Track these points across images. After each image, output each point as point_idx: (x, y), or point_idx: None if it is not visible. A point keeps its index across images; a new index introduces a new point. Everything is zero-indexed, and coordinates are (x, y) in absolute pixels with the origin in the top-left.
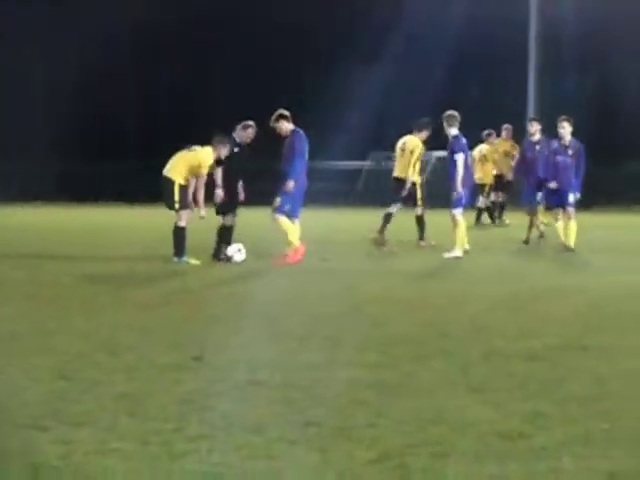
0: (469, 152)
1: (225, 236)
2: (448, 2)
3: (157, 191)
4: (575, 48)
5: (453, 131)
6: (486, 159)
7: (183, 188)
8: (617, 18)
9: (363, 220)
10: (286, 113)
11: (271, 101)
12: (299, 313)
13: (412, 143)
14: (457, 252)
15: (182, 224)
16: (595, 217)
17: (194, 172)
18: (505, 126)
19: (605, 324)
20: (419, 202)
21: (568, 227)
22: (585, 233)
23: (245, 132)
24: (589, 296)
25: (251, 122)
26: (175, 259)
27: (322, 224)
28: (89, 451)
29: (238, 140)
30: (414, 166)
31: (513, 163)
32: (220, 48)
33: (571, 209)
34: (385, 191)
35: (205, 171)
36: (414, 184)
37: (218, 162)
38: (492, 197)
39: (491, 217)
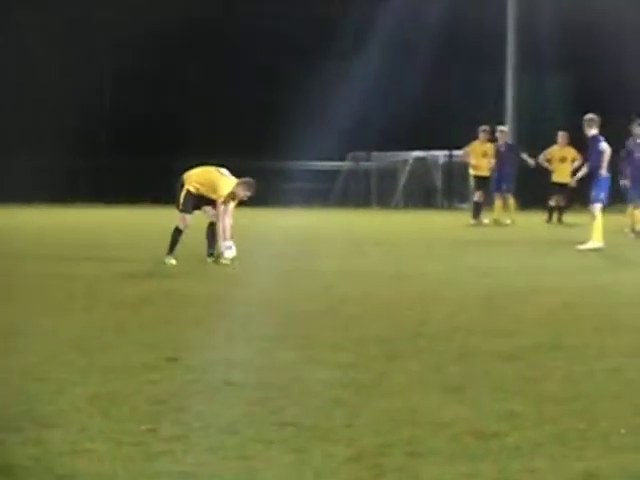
0: None
1: None
2: (427, 1)
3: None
4: (554, 47)
5: (593, 132)
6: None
7: (189, 194)
8: (596, 17)
9: (341, 220)
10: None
11: (248, 100)
12: (275, 313)
13: None
14: (595, 244)
15: (178, 225)
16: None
17: (209, 191)
18: (482, 128)
19: (579, 324)
20: None
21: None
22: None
23: None
24: (563, 296)
25: None
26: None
27: (300, 224)
28: (62, 452)
29: None
30: None
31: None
32: (192, 48)
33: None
34: (361, 191)
35: (221, 200)
36: None
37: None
38: (475, 197)
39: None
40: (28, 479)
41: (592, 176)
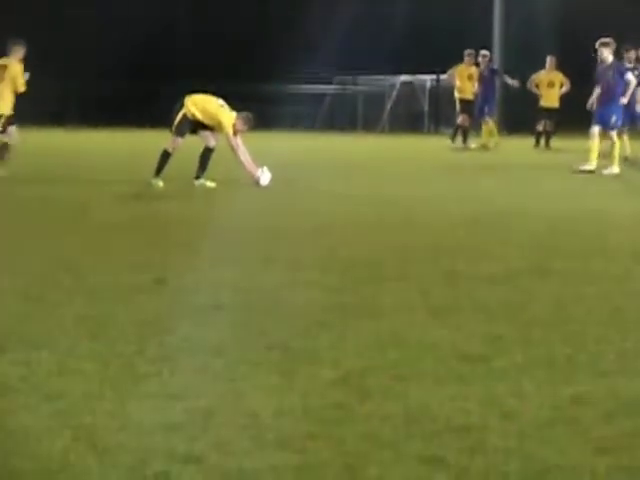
0: None
1: None
2: None
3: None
4: None
5: (610, 57)
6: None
7: (185, 118)
8: None
9: (327, 144)
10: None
11: (237, 28)
12: (261, 236)
13: None
14: (614, 169)
15: (167, 147)
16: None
17: (209, 121)
18: (467, 51)
19: (567, 248)
20: None
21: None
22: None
23: None
24: (551, 221)
25: None
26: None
27: (287, 148)
28: (50, 372)
29: None
30: None
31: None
32: None
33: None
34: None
35: (231, 133)
36: None
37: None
38: (459, 120)
39: (464, 139)
40: (16, 398)
41: (611, 102)
